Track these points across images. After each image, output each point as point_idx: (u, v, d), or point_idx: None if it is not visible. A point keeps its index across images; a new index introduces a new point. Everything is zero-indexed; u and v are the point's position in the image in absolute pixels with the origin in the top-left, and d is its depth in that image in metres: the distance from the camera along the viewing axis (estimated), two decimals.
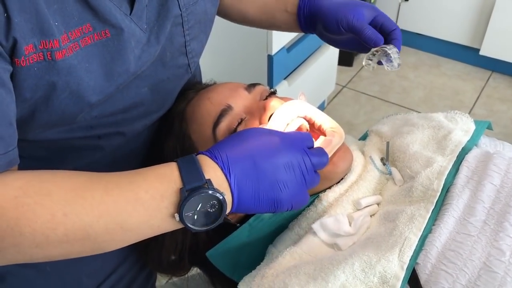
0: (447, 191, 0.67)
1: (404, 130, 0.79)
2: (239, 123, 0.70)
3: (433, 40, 2.58)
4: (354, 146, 0.80)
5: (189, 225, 0.50)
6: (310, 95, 1.93)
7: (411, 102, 2.34)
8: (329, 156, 0.59)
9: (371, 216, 0.69)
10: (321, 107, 2.26)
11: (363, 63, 0.75)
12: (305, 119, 0.69)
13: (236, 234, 0.69)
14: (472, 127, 0.78)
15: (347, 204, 0.69)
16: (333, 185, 0.72)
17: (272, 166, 0.52)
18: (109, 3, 0.54)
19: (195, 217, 0.50)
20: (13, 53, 0.48)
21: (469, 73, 2.51)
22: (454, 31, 2.48)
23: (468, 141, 0.74)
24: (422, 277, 0.57)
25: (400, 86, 2.44)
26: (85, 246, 0.49)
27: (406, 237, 0.60)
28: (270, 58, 1.65)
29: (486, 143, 0.80)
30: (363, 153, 0.80)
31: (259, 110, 0.71)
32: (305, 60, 1.89)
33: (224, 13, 0.87)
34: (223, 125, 0.70)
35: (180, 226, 0.51)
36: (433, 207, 0.64)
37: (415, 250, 0.59)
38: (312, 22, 0.79)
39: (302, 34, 1.78)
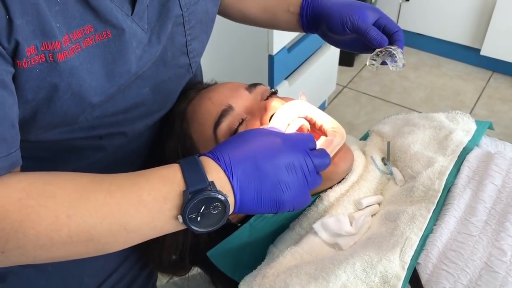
0: (448, 191, 0.67)
1: (405, 130, 0.79)
2: (240, 123, 0.70)
3: (434, 40, 2.58)
4: (355, 146, 0.81)
5: (192, 226, 0.50)
6: (311, 95, 1.93)
7: (412, 102, 2.34)
8: (330, 156, 0.59)
9: (372, 216, 0.69)
10: (322, 107, 2.26)
11: (367, 63, 0.75)
12: (306, 119, 0.69)
13: (237, 234, 0.69)
14: (473, 127, 0.78)
15: (348, 204, 0.70)
16: (334, 185, 0.72)
17: (274, 167, 0.52)
18: (110, 3, 0.54)
19: (198, 218, 0.50)
20: (15, 55, 0.48)
21: (470, 73, 2.51)
22: (455, 31, 2.48)
23: (469, 141, 0.74)
24: (423, 277, 0.57)
25: (401, 86, 2.44)
26: (89, 248, 0.49)
27: (407, 237, 0.60)
28: (271, 58, 1.65)
29: (487, 143, 0.80)
30: (364, 153, 0.80)
31: (260, 110, 0.71)
32: (306, 60, 1.89)
33: (225, 12, 0.87)
34: (224, 125, 0.70)
35: (183, 227, 0.51)
36: (434, 207, 0.64)
37: (416, 250, 0.59)
38: (314, 22, 0.80)
39: (303, 34, 1.78)
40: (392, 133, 0.81)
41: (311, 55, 1.91)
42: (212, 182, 0.50)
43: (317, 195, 0.72)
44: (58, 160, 0.67)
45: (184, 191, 0.49)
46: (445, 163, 0.69)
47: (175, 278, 0.90)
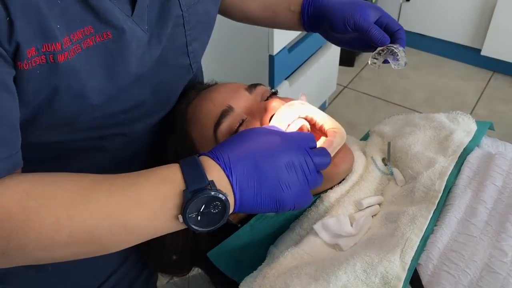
0: (449, 191, 0.67)
1: (406, 131, 0.79)
2: (240, 124, 0.70)
3: (435, 41, 2.58)
4: (355, 146, 0.81)
5: (192, 226, 0.50)
6: (311, 96, 1.93)
7: (412, 102, 2.34)
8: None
9: (372, 216, 0.69)
10: (322, 108, 2.26)
11: (369, 62, 0.75)
12: (306, 119, 0.69)
13: (237, 235, 0.69)
14: (474, 127, 0.78)
15: (348, 205, 0.70)
16: (334, 186, 0.72)
17: (274, 166, 0.52)
18: (110, 4, 0.54)
19: (199, 218, 0.50)
20: (16, 56, 0.48)
21: (471, 73, 2.50)
22: (456, 32, 2.47)
23: (470, 141, 0.74)
24: (424, 278, 0.57)
25: (402, 86, 2.44)
26: (90, 248, 0.49)
27: (408, 237, 0.60)
28: (271, 58, 1.65)
29: (488, 143, 0.80)
30: (364, 153, 0.80)
31: (260, 110, 0.71)
32: (306, 61, 1.89)
33: (226, 12, 0.87)
34: (224, 126, 0.70)
35: (183, 227, 0.51)
36: (434, 207, 0.64)
37: (416, 250, 0.59)
38: (316, 20, 0.80)
39: (304, 34, 1.78)
40: (393, 133, 0.81)
41: (311, 55, 1.91)
42: (212, 181, 0.50)
43: (317, 195, 0.72)
44: (59, 161, 0.67)
45: (184, 191, 0.49)
46: (446, 163, 0.69)
47: (175, 279, 0.91)
